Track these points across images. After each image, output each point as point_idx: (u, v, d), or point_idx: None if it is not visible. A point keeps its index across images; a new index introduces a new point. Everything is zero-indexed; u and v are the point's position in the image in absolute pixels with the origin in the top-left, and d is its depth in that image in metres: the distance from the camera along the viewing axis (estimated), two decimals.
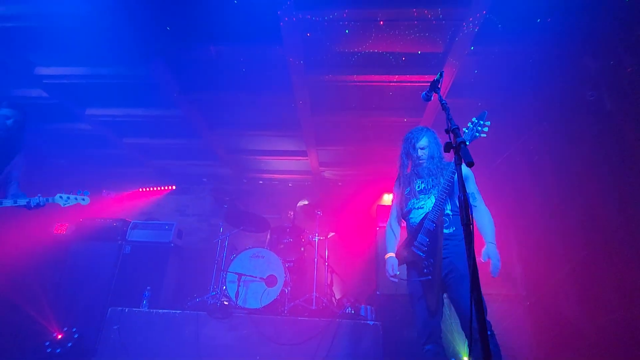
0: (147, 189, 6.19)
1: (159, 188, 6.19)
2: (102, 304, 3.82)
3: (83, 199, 2.82)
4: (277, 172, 5.97)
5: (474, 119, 1.88)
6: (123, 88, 3.81)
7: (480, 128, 1.85)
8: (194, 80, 3.65)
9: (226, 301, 3.68)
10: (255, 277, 3.74)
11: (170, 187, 6.19)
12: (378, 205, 4.50)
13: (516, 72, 3.23)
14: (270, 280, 3.74)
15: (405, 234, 2.35)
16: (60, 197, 2.72)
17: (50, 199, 2.70)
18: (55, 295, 3.99)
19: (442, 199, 2.03)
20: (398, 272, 2.22)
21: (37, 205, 2.66)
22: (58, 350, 3.31)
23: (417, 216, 2.20)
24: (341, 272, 4.76)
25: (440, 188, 2.07)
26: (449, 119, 1.34)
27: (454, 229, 2.09)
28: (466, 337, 1.95)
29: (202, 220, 6.02)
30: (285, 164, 5.66)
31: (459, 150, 1.17)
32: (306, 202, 4.78)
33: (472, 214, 1.09)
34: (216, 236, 4.40)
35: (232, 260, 3.89)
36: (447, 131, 1.29)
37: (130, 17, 2.94)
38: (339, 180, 6.08)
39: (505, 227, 3.96)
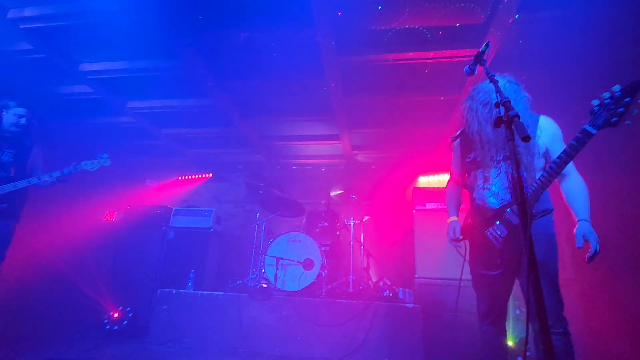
0: (186, 178, 6.43)
1: (196, 176, 6.42)
2: (152, 286, 4.08)
3: (105, 161, 3.12)
4: (310, 157, 5.98)
5: (615, 90, 1.30)
6: (159, 80, 3.91)
7: (622, 109, 1.25)
8: (226, 68, 3.69)
9: (265, 284, 3.79)
10: (293, 261, 3.81)
11: (207, 175, 6.40)
12: (414, 187, 4.40)
13: (568, 40, 2.95)
14: (308, 264, 3.80)
15: (468, 203, 2.04)
16: (85, 163, 3.01)
17: (78, 167, 2.98)
18: (110, 277, 4.31)
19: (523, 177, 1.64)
20: (461, 237, 1.96)
21: (70, 174, 2.93)
22: (115, 328, 3.58)
23: (484, 197, 1.85)
24: (377, 255, 4.74)
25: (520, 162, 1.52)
26: (498, 91, 1.24)
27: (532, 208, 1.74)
28: (534, 331, 1.72)
29: (238, 206, 6.18)
30: (317, 149, 5.65)
31: (511, 124, 1.09)
32: (340, 191, 4.76)
33: (527, 192, 1.01)
34: (252, 221, 4.51)
35: (270, 244, 3.98)
36: (497, 104, 1.19)
37: (163, 9, 2.99)
38: (373, 164, 5.99)
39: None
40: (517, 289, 1.93)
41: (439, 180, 5.33)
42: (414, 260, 3.87)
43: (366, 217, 4.58)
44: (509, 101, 1.16)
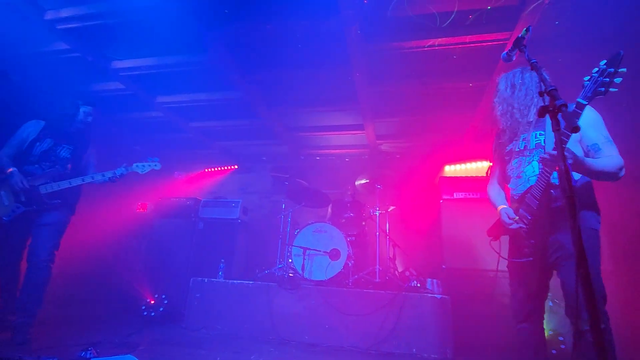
0: (213, 169, 6.59)
1: (223, 168, 6.56)
2: (184, 275, 4.24)
3: (155, 165, 3.16)
4: (333, 148, 5.98)
5: (602, 65, 1.42)
6: (188, 75, 4.00)
7: (608, 79, 1.38)
8: (252, 60, 3.72)
9: (292, 273, 3.87)
10: (319, 251, 3.85)
11: (233, 167, 6.53)
12: (441, 177, 4.33)
13: (609, 18, 2.79)
14: (334, 254, 3.84)
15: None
16: (137, 165, 3.08)
17: (130, 168, 3.05)
18: (144, 266, 4.51)
19: (546, 173, 1.65)
20: (516, 217, 1.85)
21: (122, 175, 3.01)
22: (152, 314, 3.76)
23: (516, 186, 1.90)
24: (403, 245, 4.72)
25: (542, 157, 1.63)
26: (543, 79, 1.18)
27: (563, 202, 1.71)
28: (572, 324, 1.66)
29: (264, 197, 6.28)
30: (341, 139, 5.64)
31: (557, 114, 1.04)
32: (366, 180, 4.74)
33: (575, 185, 0.97)
34: (278, 212, 4.58)
35: (296, 235, 4.04)
36: (541, 93, 1.14)
37: (190, 4, 3.03)
38: (397, 153, 5.92)
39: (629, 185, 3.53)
40: (553, 281, 1.89)
41: (467, 169, 5.21)
42: (441, 251, 3.83)
43: (392, 207, 4.56)
44: (556, 90, 1.11)
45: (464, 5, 2.90)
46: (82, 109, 3.09)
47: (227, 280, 3.74)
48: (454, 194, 3.96)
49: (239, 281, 3.69)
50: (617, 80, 1.38)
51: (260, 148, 6.16)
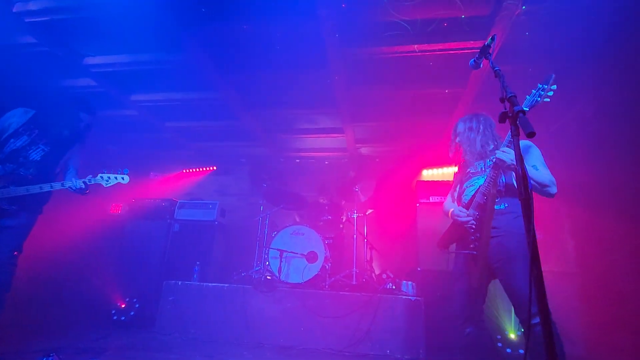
0: (190, 170, 6.47)
1: (201, 169, 6.45)
2: (158, 278, 4.13)
3: (123, 178, 2.91)
4: (313, 150, 5.98)
5: (539, 85, 1.77)
6: (163, 73, 3.92)
7: (543, 93, 1.74)
8: (229, 61, 3.68)
9: (269, 276, 3.84)
10: (297, 253, 3.84)
11: (211, 168, 6.43)
12: (417, 181, 4.40)
13: (575, 32, 2.92)
14: (311, 256, 3.83)
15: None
16: (101, 177, 2.84)
17: (93, 180, 2.81)
18: (116, 269, 4.37)
19: (495, 173, 1.90)
20: (470, 211, 2.04)
21: (81, 189, 2.77)
22: (123, 318, 3.65)
23: (469, 192, 2.12)
24: (380, 248, 4.76)
25: (493, 163, 1.92)
26: (504, 87, 1.23)
27: (506, 205, 1.94)
28: (521, 322, 1.81)
29: (242, 199, 6.21)
30: (321, 142, 5.65)
31: (516, 120, 1.09)
32: (343, 185, 4.78)
33: (531, 189, 1.02)
34: (256, 214, 4.54)
35: (274, 237, 4.01)
36: (502, 100, 1.19)
37: (166, 1, 2.98)
38: (377, 157, 5.99)
39: (557, 201, 3.74)
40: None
41: (443, 173, 5.32)
42: (416, 253, 3.89)
43: (369, 210, 4.60)
44: (515, 96, 1.16)
45: (439, 14, 2.96)
46: (81, 116, 2.91)
47: (202, 283, 3.67)
48: (430, 198, 4.04)
49: (213, 284, 3.62)
50: (550, 94, 1.74)
51: (240, 149, 6.10)
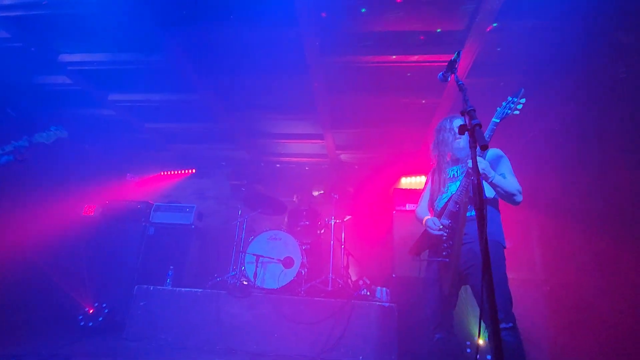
0: (169, 173, 6.36)
1: (179, 171, 6.36)
2: (130, 282, 4.02)
3: (61, 132, 2.97)
4: (294, 156, 6.00)
5: (509, 98, 1.87)
6: (142, 73, 3.87)
7: (513, 105, 1.83)
8: (209, 64, 3.67)
9: (245, 281, 3.80)
10: (273, 259, 3.83)
11: (190, 171, 6.34)
12: (395, 188, 4.47)
13: (542, 49, 3.07)
14: (288, 262, 3.83)
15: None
16: (40, 135, 2.82)
17: (32, 140, 2.76)
18: (86, 272, 4.23)
19: (467, 181, 1.94)
20: (440, 225, 2.07)
21: (22, 148, 2.69)
22: (90, 324, 3.53)
23: (441, 200, 2.16)
24: (357, 254, 4.80)
25: (465, 171, 1.97)
26: (465, 100, 1.29)
27: (485, 212, 2.00)
28: (487, 327, 1.86)
29: (221, 203, 6.16)
30: (302, 147, 5.67)
31: (473, 132, 1.14)
32: (321, 192, 4.80)
33: (485, 198, 1.06)
34: (234, 218, 4.50)
35: (251, 242, 3.99)
36: (462, 113, 1.25)
37: (146, 1, 2.96)
38: (356, 164, 6.05)
39: (526, 211, 3.88)
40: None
41: (420, 182, 5.43)
42: (392, 260, 3.94)
43: (348, 217, 4.64)
44: (474, 110, 1.21)
45: (416, 27, 3.06)
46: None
47: (175, 288, 3.60)
48: (407, 206, 4.11)
49: (186, 289, 3.56)
50: (519, 107, 1.84)
51: (219, 152, 6.04)
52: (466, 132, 1.18)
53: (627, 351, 2.68)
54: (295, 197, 4.85)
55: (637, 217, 2.70)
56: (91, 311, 3.65)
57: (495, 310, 0.98)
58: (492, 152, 2.16)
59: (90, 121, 5.01)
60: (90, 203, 5.47)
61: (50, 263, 4.43)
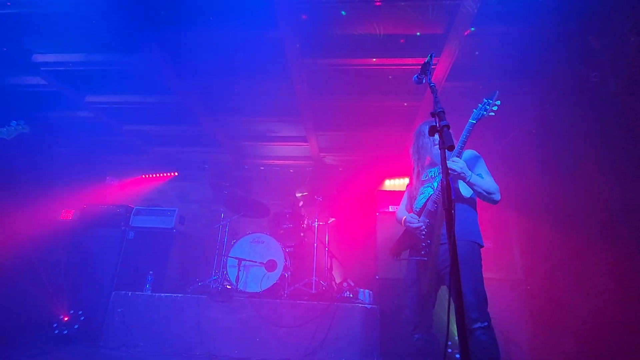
0: (150, 176, 6.24)
1: (161, 174, 6.24)
2: (108, 288, 3.92)
3: (23, 127, 2.86)
4: (277, 158, 5.97)
5: (484, 99, 1.92)
6: (121, 74, 3.78)
7: (489, 107, 1.88)
8: (190, 66, 3.61)
9: (228, 285, 3.75)
10: (256, 262, 3.79)
11: (172, 174, 6.24)
12: (378, 190, 4.50)
13: (518, 53, 3.14)
14: (270, 265, 3.79)
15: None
16: (0, 131, 2.72)
17: None
18: (62, 279, 4.09)
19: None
20: (419, 219, 2.10)
21: None
22: (65, 332, 3.42)
23: (420, 201, 2.19)
24: (341, 257, 4.80)
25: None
26: (435, 102, 1.31)
27: (453, 212, 2.03)
28: (459, 327, 1.88)
29: (204, 206, 6.07)
30: (285, 150, 5.65)
31: (442, 133, 1.16)
32: (305, 193, 4.79)
33: (454, 198, 1.07)
34: (217, 222, 4.44)
35: (233, 245, 3.94)
36: (432, 114, 1.27)
37: (124, 1, 2.90)
38: (340, 166, 6.06)
39: (505, 212, 3.95)
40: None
41: (404, 184, 5.45)
42: (375, 262, 3.95)
43: (331, 219, 4.63)
44: (443, 112, 1.23)
45: (396, 30, 3.09)
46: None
47: (154, 294, 3.52)
48: (389, 207, 4.13)
49: (166, 294, 3.49)
50: (494, 108, 1.90)
51: (202, 155, 5.97)
52: (436, 134, 1.19)
53: (605, 350, 2.75)
54: (290, 201, 4.83)
55: (611, 219, 2.78)
56: (66, 319, 3.54)
57: (462, 308, 0.99)
58: (469, 152, 2.21)
59: (66, 123, 4.87)
60: (68, 207, 5.32)
61: (24, 269, 4.27)
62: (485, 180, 2.06)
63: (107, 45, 3.41)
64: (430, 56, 1.67)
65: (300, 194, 4.84)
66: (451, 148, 1.11)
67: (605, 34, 2.83)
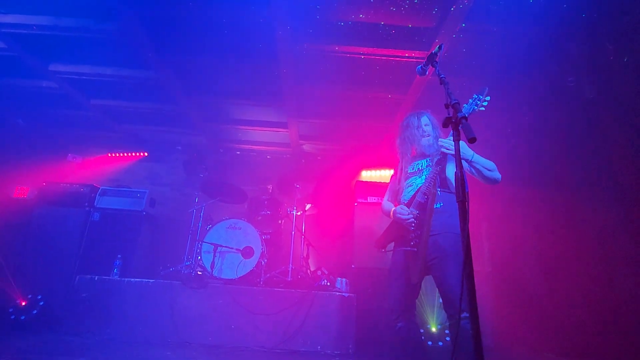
0: (117, 155, 5.88)
1: (129, 154, 5.90)
2: (69, 272, 3.68)
3: None
4: (255, 143, 5.82)
5: (474, 95, 1.91)
6: (91, 43, 3.50)
7: (479, 102, 1.87)
8: (171, 39, 3.41)
9: (201, 271, 3.64)
10: (232, 248, 3.70)
11: (142, 154, 5.91)
12: (357, 181, 4.52)
13: (503, 53, 3.23)
14: (247, 252, 3.72)
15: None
16: None
17: None
18: (18, 261, 3.79)
19: (434, 173, 1.98)
20: (409, 210, 2.08)
21: None
22: (22, 317, 3.19)
23: (408, 192, 2.16)
24: (318, 245, 4.80)
25: (432, 164, 2.01)
26: (448, 94, 1.30)
27: (442, 204, 2.02)
28: (448, 316, 1.87)
29: (176, 189, 5.82)
30: (264, 135, 5.52)
31: (458, 125, 1.15)
32: (283, 180, 4.74)
33: (467, 191, 1.08)
34: (190, 206, 4.28)
35: (208, 230, 3.82)
36: (446, 106, 1.25)
37: None
38: (319, 155, 6.03)
39: (477, 206, 4.11)
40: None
41: (381, 175, 5.53)
42: (352, 251, 3.99)
43: (308, 205, 4.60)
44: (458, 103, 1.22)
45: (388, 20, 3.07)
46: None
47: (123, 279, 3.35)
48: (368, 198, 4.16)
49: (136, 279, 3.33)
50: (485, 104, 1.89)
51: (175, 136, 5.69)
52: (449, 126, 1.18)
53: (571, 343, 2.95)
54: (269, 186, 4.73)
55: (577, 217, 2.97)
56: (24, 303, 3.29)
57: (475, 301, 0.99)
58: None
59: (26, 93, 4.47)
60: (23, 184, 4.92)
61: None
62: (483, 158, 2.04)
63: (79, 10, 3.13)
64: (440, 47, 1.65)
65: (279, 181, 4.76)
66: (473, 140, 1.10)
67: (582, 40, 2.97)
